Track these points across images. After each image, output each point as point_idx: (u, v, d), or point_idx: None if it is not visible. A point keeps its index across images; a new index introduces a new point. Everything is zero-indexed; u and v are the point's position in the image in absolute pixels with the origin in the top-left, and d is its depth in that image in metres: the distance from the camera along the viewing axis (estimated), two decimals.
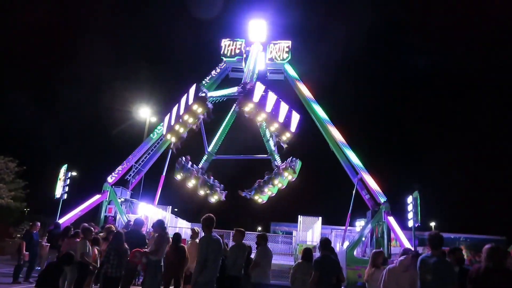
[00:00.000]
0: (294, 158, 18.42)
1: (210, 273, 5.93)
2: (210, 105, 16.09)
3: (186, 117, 15.88)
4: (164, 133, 17.55)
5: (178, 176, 17.92)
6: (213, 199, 18.81)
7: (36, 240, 12.36)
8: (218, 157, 20.58)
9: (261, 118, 15.65)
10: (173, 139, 16.84)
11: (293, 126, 16.01)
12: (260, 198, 18.91)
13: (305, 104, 21.64)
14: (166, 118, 17.19)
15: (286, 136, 16.11)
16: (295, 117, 16.10)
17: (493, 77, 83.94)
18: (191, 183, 18.08)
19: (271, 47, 22.76)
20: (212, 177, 18.99)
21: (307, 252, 7.49)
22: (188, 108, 15.71)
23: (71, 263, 7.45)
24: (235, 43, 22.80)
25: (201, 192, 18.44)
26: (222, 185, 19.24)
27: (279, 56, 22.53)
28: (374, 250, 7.52)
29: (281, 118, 15.64)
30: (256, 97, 15.24)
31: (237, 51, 22.60)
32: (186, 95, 16.20)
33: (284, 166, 18.30)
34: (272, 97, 15.59)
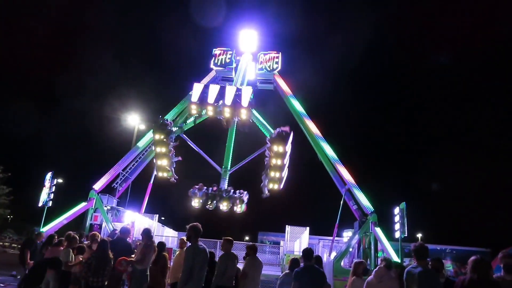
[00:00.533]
0: (245, 192, 18.78)
1: (195, 283, 5.87)
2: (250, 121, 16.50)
3: (226, 110, 15.62)
4: (192, 100, 16.27)
5: (157, 136, 17.14)
6: (161, 174, 18.27)
7: (40, 250, 12.11)
8: (183, 136, 19.83)
9: (274, 162, 16.06)
10: (193, 111, 16.37)
11: (283, 183, 17.07)
12: (197, 204, 18.68)
13: (294, 114, 21.75)
14: (199, 87, 16.32)
15: (274, 187, 17.00)
16: (285, 174, 17.03)
17: (482, 90, 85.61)
18: (161, 148, 17.43)
19: (261, 57, 22.90)
20: (174, 153, 18.29)
21: (295, 262, 7.47)
22: (235, 106, 15.51)
23: (56, 268, 7.33)
24: (226, 52, 22.90)
25: (158, 162, 17.86)
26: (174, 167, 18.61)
27: (269, 66, 22.67)
28: (355, 260, 7.60)
29: (284, 172, 16.48)
30: (288, 146, 15.79)
31: (228, 60, 22.69)
32: (236, 88, 15.98)
33: (240, 197, 18.51)
34: (289, 151, 16.41)
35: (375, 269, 5.71)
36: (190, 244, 6.29)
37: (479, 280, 4.42)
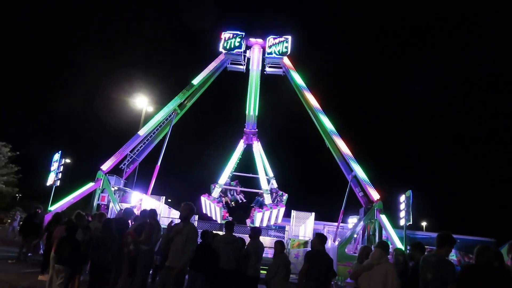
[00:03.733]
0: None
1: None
2: None
3: None
4: None
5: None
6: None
7: (46, 228, 12.08)
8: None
9: None
10: None
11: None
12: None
13: (302, 99, 21.67)
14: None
15: None
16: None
17: (486, 85, 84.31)
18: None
19: (271, 41, 22.63)
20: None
21: (280, 244, 7.85)
22: None
23: (77, 228, 7.51)
24: (235, 36, 22.66)
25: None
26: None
27: (278, 51, 22.41)
28: (362, 246, 7.66)
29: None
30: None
31: (237, 44, 22.48)
32: None
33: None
34: None
35: (371, 252, 5.62)
36: (185, 223, 6.29)
37: (482, 266, 4.43)
